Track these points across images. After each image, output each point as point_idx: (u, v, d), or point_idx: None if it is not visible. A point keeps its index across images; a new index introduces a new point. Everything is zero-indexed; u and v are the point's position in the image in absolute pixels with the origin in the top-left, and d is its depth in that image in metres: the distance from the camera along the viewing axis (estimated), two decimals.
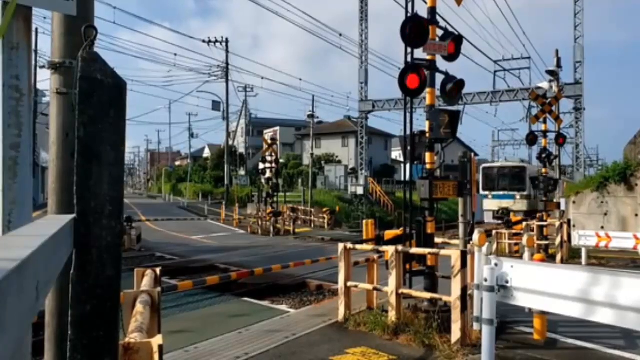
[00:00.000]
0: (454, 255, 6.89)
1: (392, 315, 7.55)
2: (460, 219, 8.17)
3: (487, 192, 30.98)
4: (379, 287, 8.20)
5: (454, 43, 8.79)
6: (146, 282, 3.52)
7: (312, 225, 33.89)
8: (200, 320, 9.44)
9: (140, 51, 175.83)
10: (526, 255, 10.02)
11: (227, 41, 53.01)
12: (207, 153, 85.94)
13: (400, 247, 7.87)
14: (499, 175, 31.05)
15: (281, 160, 46.09)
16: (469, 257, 6.91)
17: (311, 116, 43.85)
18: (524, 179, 29.76)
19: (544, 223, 17.70)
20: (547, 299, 5.08)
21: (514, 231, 17.63)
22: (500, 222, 23.13)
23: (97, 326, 1.70)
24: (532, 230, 16.44)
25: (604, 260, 15.75)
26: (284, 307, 10.41)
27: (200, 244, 23.60)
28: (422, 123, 10.58)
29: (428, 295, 7.76)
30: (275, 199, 29.84)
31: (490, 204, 30.86)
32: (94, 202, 1.71)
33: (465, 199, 7.94)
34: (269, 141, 30.19)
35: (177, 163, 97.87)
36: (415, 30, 8.14)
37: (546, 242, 16.61)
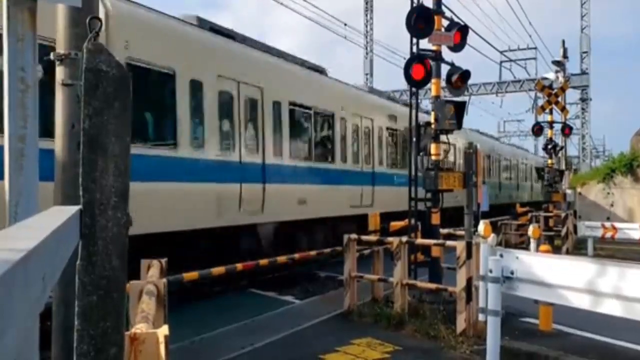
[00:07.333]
0: (459, 246, 6.89)
1: (397, 306, 7.56)
2: (466, 210, 8.16)
3: None
4: (384, 278, 8.21)
5: (460, 33, 8.74)
6: (152, 273, 3.53)
7: None
8: (206, 311, 9.48)
9: None
10: (532, 246, 10.00)
11: None
12: None
13: (405, 238, 7.88)
14: None
15: None
16: (474, 248, 6.90)
17: None
18: None
19: (550, 214, 17.66)
20: (553, 290, 5.08)
21: (519, 222, 17.61)
22: None
23: (103, 317, 1.71)
24: (538, 222, 16.42)
25: (610, 251, 15.71)
26: (289, 298, 10.42)
27: None
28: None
29: (433, 286, 7.77)
30: None
31: None
32: (100, 193, 1.71)
33: (469, 190, 7.92)
34: None
35: None
36: (420, 20, 8.11)
37: (552, 233, 16.58)
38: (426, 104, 19.66)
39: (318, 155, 13.60)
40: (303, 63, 13.97)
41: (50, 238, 1.10)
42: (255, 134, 11.10)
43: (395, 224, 9.57)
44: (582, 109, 33.27)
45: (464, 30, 8.83)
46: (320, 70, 14.65)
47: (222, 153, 10.15)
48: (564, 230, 16.02)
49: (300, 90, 12.83)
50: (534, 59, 40.58)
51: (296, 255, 10.23)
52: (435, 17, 8.33)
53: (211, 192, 9.83)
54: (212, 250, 9.87)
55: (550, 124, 19.04)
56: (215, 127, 10.06)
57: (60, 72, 3.48)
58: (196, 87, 9.58)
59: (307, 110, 13.05)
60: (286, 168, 12.05)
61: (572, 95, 34.21)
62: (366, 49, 37.63)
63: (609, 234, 15.18)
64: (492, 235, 6.78)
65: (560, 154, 21.07)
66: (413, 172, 9.00)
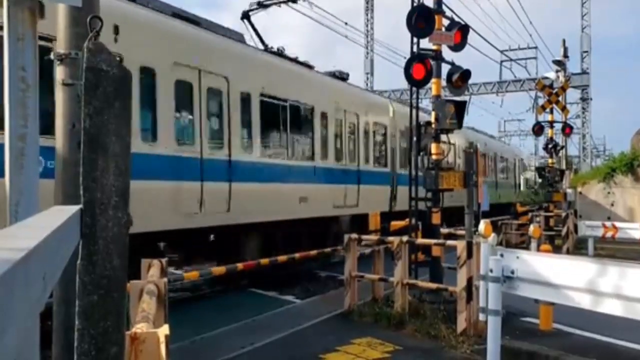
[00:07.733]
0: (460, 245, 6.88)
1: (397, 305, 7.56)
2: (466, 210, 8.15)
3: None
4: (385, 277, 8.21)
5: (460, 33, 8.73)
6: (152, 273, 3.53)
7: None
8: (206, 310, 9.48)
9: None
10: (532, 245, 9.99)
11: None
12: None
13: (405, 238, 7.87)
14: None
15: None
16: (474, 247, 6.89)
17: None
18: None
19: (550, 214, 17.64)
20: (553, 290, 5.07)
21: (520, 222, 17.60)
22: None
23: (104, 316, 1.71)
24: (539, 221, 16.41)
25: (611, 250, 15.69)
26: (290, 298, 10.43)
27: None
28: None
29: (434, 285, 7.76)
30: None
31: None
32: (100, 193, 1.71)
33: (470, 189, 7.91)
34: None
35: None
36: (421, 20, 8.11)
37: (552, 233, 16.56)
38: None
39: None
40: (380, 94, 18.34)
41: (51, 237, 1.10)
42: (353, 147, 15.04)
43: (396, 224, 9.57)
44: (583, 108, 33.24)
45: (464, 29, 8.82)
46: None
47: (336, 162, 14.14)
48: (564, 230, 16.00)
49: (376, 114, 16.71)
50: (535, 58, 40.50)
51: (296, 255, 10.30)
52: (436, 17, 8.32)
53: (333, 191, 13.64)
54: (329, 231, 13.78)
55: (551, 123, 19.02)
56: (333, 143, 14.04)
57: (60, 72, 3.48)
58: (324, 116, 13.63)
59: (382, 128, 16.99)
60: (370, 172, 15.79)
61: (572, 94, 34.14)
62: (367, 48, 37.59)
63: (609, 234, 15.16)
64: (493, 234, 6.78)
65: (560, 154, 21.04)
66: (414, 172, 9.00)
